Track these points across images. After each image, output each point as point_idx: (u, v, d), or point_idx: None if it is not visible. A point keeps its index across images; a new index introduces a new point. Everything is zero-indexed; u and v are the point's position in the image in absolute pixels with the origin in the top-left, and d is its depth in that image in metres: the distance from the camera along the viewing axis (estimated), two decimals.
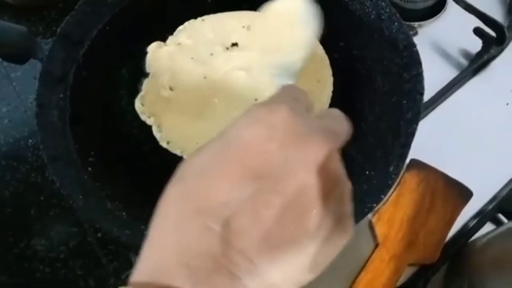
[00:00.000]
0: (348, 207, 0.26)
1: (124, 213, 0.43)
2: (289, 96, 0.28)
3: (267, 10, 0.47)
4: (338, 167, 0.25)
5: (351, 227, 0.26)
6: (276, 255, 0.23)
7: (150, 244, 0.25)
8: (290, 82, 0.39)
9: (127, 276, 0.54)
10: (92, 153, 0.46)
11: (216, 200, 0.23)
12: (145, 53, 0.51)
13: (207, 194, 0.23)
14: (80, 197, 0.42)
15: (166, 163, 0.46)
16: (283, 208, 0.23)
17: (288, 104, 0.25)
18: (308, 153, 0.24)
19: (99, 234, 0.56)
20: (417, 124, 0.43)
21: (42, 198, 0.59)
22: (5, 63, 0.67)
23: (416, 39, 0.59)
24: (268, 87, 0.46)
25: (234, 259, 0.22)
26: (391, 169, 0.42)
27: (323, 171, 0.23)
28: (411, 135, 0.43)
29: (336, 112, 0.29)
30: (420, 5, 0.61)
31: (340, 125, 0.28)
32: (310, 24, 0.44)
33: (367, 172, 0.43)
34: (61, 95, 0.47)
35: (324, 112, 0.29)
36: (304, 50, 0.44)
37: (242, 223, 0.22)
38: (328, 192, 0.24)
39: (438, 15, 0.62)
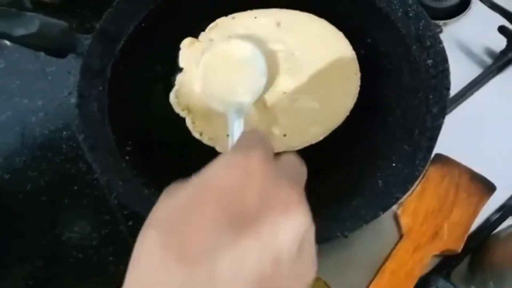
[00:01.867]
0: (313, 246, 0.27)
1: None
2: (258, 141, 0.29)
3: (217, 47, 0.50)
4: (306, 210, 0.26)
5: (315, 265, 0.27)
6: None
7: None
8: (238, 119, 0.42)
9: None
10: (130, 142, 0.48)
11: (198, 248, 0.23)
12: (178, 48, 0.53)
13: (189, 241, 0.23)
14: (120, 183, 0.44)
15: (199, 153, 0.49)
16: (260, 251, 0.23)
17: (261, 150, 0.27)
18: (282, 196, 0.25)
19: (130, 223, 0.57)
20: (443, 118, 0.45)
21: (75, 187, 0.61)
22: (41, 58, 0.69)
23: (441, 37, 0.60)
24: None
25: None
26: (418, 161, 0.43)
27: (295, 215, 0.25)
28: (437, 128, 0.44)
29: (293, 156, 0.30)
30: (446, 4, 0.62)
31: (301, 168, 0.30)
32: (258, 71, 0.47)
33: (393, 165, 0.45)
34: (100, 88, 0.50)
35: (285, 157, 0.30)
36: (251, 96, 0.46)
37: (226, 271, 0.22)
38: (298, 233, 0.25)
39: (463, 13, 0.63)
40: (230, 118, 0.42)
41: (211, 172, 0.26)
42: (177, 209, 0.25)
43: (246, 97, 0.46)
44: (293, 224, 0.24)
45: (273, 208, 0.24)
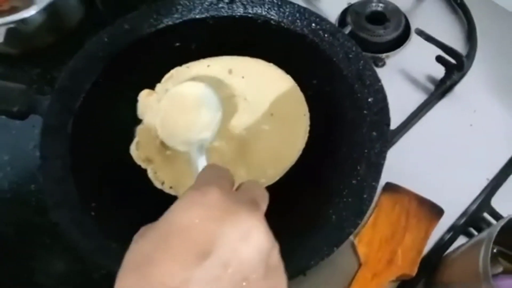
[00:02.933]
0: (279, 263, 0.30)
1: None
2: (216, 176, 0.32)
3: (172, 91, 0.53)
4: (266, 231, 0.29)
5: (285, 280, 0.30)
6: None
7: None
8: (202, 156, 0.44)
9: None
10: (94, 197, 0.49)
11: (171, 284, 0.25)
12: (136, 100, 0.56)
13: (161, 279, 0.25)
14: (85, 240, 0.46)
15: (163, 202, 0.51)
16: (228, 278, 0.26)
17: (217, 185, 0.29)
18: (242, 224, 0.28)
19: (103, 271, 0.58)
20: (385, 153, 0.48)
21: (46, 239, 0.62)
22: None
23: (384, 69, 0.64)
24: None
25: None
26: (365, 196, 0.46)
27: (256, 238, 0.27)
28: (380, 164, 0.47)
29: (252, 183, 0.34)
30: (386, 38, 0.66)
31: (258, 191, 0.33)
32: (213, 107, 0.50)
33: (344, 200, 0.47)
34: (62, 146, 0.51)
35: (244, 185, 0.33)
36: (210, 131, 0.49)
37: None
38: (263, 255, 0.27)
39: (403, 45, 0.67)
40: (193, 156, 0.44)
41: (174, 212, 0.28)
42: (146, 251, 0.27)
43: (206, 134, 0.49)
44: (256, 247, 0.27)
45: (234, 236, 0.27)
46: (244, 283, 0.26)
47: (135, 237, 0.29)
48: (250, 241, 0.27)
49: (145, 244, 0.28)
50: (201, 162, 0.44)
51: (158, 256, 0.26)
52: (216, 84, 0.56)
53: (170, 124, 0.51)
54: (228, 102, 0.54)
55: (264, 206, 0.32)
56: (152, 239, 0.28)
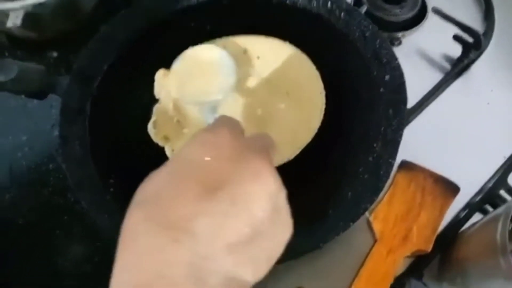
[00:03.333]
0: (286, 207, 0.30)
1: None
2: (228, 122, 0.33)
3: (189, 53, 0.55)
4: (275, 175, 0.29)
5: (291, 224, 0.30)
6: (236, 254, 0.26)
7: (122, 264, 0.27)
8: (213, 115, 0.49)
9: None
10: (112, 175, 0.50)
11: (179, 215, 0.25)
12: (153, 80, 0.56)
13: (170, 211, 0.25)
14: (106, 216, 0.47)
15: None
16: (237, 214, 0.26)
17: (229, 129, 0.30)
18: (251, 165, 0.28)
19: None
20: (402, 130, 0.48)
21: (65, 218, 0.63)
22: None
23: (401, 48, 0.64)
24: None
25: (202, 265, 0.25)
26: (381, 172, 0.46)
27: (265, 179, 0.28)
28: (397, 141, 0.47)
29: (261, 133, 0.35)
30: (402, 17, 0.66)
31: (268, 141, 0.34)
32: (227, 72, 0.53)
33: (360, 176, 0.48)
34: (81, 126, 0.52)
35: (253, 135, 0.34)
36: (223, 94, 0.52)
37: (207, 233, 0.25)
38: (271, 196, 0.28)
39: (420, 24, 0.66)
40: (206, 116, 0.48)
41: (185, 150, 0.29)
42: (157, 186, 0.27)
43: (219, 96, 0.51)
44: (264, 188, 0.28)
45: (244, 176, 0.27)
46: (251, 220, 0.26)
47: (147, 177, 0.29)
48: (259, 181, 0.28)
49: (154, 181, 0.28)
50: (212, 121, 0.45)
51: (166, 191, 0.26)
52: None
53: (184, 85, 0.53)
54: (243, 82, 0.55)
55: (272, 154, 0.33)
56: (162, 175, 0.28)
